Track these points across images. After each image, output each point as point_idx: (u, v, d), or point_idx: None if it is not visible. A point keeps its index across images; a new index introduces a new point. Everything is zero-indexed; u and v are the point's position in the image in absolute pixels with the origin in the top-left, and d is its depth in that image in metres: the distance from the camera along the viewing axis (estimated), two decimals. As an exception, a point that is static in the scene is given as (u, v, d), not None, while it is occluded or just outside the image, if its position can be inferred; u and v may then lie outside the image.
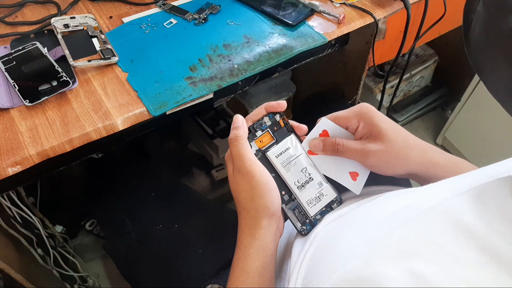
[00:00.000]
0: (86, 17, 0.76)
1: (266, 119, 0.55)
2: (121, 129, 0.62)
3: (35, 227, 0.88)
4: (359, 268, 0.33)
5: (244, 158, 0.50)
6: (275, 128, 0.55)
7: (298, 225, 0.54)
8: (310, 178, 0.55)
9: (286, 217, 0.55)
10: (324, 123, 0.56)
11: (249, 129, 0.54)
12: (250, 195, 0.51)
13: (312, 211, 0.54)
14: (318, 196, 0.55)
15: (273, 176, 0.52)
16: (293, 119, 0.59)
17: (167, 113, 0.64)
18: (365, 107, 0.55)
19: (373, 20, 0.80)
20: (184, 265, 0.73)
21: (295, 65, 0.81)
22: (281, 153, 0.54)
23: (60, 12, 0.78)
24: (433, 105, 1.80)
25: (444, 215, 0.33)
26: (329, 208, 0.55)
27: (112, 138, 0.63)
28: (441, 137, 1.71)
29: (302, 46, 0.73)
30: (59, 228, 1.07)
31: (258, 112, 0.56)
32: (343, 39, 0.88)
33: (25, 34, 0.74)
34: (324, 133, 0.56)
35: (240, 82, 0.72)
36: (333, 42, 0.83)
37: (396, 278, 0.30)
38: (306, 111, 1.12)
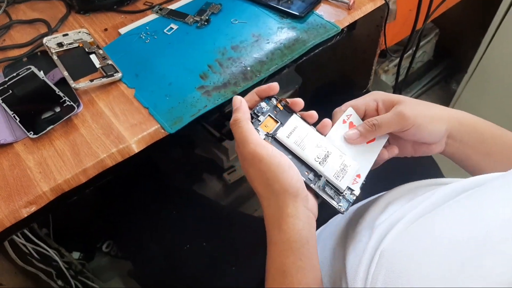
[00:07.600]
0: (79, 32, 0.71)
1: (263, 104, 0.51)
2: (136, 151, 0.57)
3: (52, 259, 0.83)
4: None
5: (247, 142, 0.45)
6: (275, 112, 0.52)
7: (334, 203, 0.49)
8: (328, 152, 0.51)
9: (317, 197, 0.50)
10: (350, 111, 0.55)
11: (251, 115, 0.50)
12: (264, 181, 0.45)
13: (342, 184, 0.50)
14: (343, 168, 0.51)
15: (290, 158, 0.48)
16: None
17: (182, 127, 0.59)
18: (375, 91, 0.56)
19: (383, 1, 0.75)
20: (221, 284, 0.68)
21: (304, 58, 0.76)
22: (290, 133, 0.51)
23: (51, 30, 0.73)
24: (437, 79, 1.76)
25: None
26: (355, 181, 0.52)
27: (127, 160, 0.59)
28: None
29: (315, 38, 0.68)
30: (76, 255, 1.03)
31: (251, 98, 0.52)
32: (350, 24, 0.84)
33: (17, 58, 0.68)
34: (351, 124, 0.55)
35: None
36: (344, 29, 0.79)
37: None
38: (315, 103, 1.07)
